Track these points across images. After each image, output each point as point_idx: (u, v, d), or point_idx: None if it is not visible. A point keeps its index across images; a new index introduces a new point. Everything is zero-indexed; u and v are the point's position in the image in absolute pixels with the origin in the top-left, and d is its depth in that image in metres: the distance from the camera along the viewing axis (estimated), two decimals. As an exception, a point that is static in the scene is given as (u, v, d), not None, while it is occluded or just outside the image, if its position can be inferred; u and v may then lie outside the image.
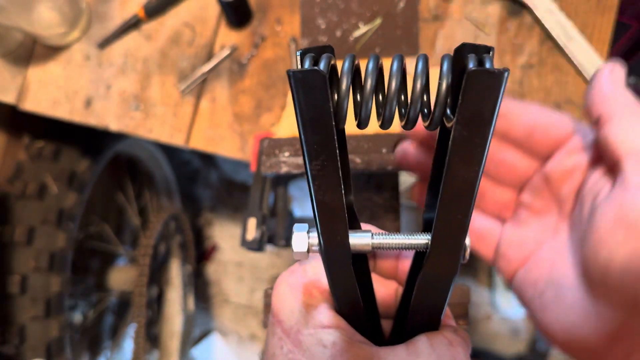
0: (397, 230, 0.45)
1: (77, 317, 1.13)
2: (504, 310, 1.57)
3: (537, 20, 0.65)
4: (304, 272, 0.29)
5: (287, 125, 0.44)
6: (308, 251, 0.26)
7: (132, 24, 0.70)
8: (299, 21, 0.56)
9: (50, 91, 0.71)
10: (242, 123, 0.69)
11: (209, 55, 0.70)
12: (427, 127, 0.23)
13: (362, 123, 0.23)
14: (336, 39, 0.53)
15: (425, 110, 0.23)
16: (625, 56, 0.82)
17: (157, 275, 1.20)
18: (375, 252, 0.28)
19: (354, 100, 0.24)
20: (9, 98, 0.71)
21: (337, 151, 0.22)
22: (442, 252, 0.24)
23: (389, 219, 0.46)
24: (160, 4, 0.69)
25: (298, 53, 0.22)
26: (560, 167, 0.31)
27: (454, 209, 0.23)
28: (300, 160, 0.43)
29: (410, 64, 0.25)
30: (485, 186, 0.35)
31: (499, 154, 0.34)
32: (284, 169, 0.42)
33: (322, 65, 0.21)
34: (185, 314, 1.23)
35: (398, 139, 0.41)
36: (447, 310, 0.30)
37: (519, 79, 0.66)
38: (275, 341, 0.27)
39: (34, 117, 0.73)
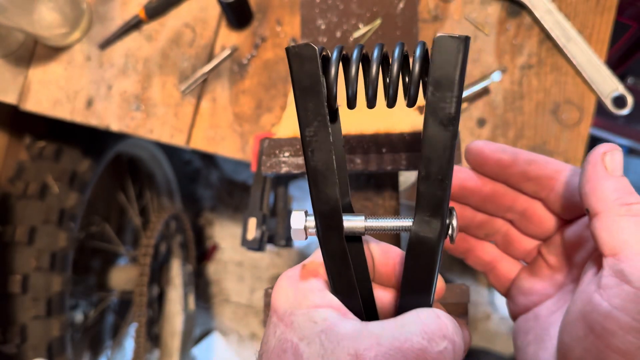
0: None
1: (78, 316, 1.14)
2: (504, 309, 1.58)
3: (536, 21, 0.66)
4: (302, 265, 0.29)
5: (287, 125, 0.45)
6: (305, 230, 0.28)
7: (133, 25, 0.70)
8: (299, 22, 0.57)
9: (52, 91, 0.71)
10: (243, 123, 0.69)
11: (210, 56, 0.70)
12: (407, 105, 0.26)
13: (350, 102, 0.26)
14: (336, 40, 0.53)
15: (409, 91, 0.26)
16: (625, 56, 0.82)
17: (157, 275, 1.21)
18: (374, 259, 0.30)
19: (345, 82, 0.26)
20: (10, 98, 0.72)
21: (328, 119, 0.25)
22: (426, 215, 0.25)
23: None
24: (160, 4, 0.69)
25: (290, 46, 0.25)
26: (577, 234, 0.32)
27: (433, 171, 0.24)
28: (300, 160, 0.43)
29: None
30: (514, 235, 0.36)
31: (531, 207, 0.34)
32: (284, 169, 0.43)
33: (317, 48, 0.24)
34: (186, 314, 1.23)
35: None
36: (441, 307, 0.30)
37: (518, 79, 0.66)
38: (270, 329, 0.27)
39: (35, 117, 0.73)
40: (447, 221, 0.26)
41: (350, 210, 0.30)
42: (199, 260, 1.62)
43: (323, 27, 0.54)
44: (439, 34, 0.23)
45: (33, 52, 0.72)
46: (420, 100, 0.43)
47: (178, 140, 0.70)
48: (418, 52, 0.25)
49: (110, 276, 1.22)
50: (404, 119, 0.43)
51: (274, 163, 0.43)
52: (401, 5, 0.53)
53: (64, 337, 0.91)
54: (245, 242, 0.61)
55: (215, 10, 0.70)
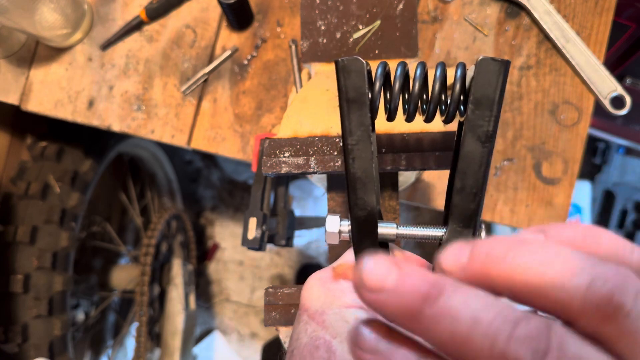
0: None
1: (79, 315, 1.14)
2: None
3: (535, 22, 0.66)
4: (332, 268, 0.30)
5: (287, 125, 0.45)
6: (339, 234, 0.29)
7: (134, 26, 0.70)
8: (299, 23, 0.57)
9: (53, 92, 0.71)
10: (243, 124, 0.70)
11: (211, 57, 0.70)
12: (443, 121, 0.27)
13: (391, 115, 0.28)
14: (336, 41, 0.54)
15: (443, 107, 0.27)
16: (623, 57, 0.82)
17: (158, 274, 1.21)
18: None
19: (384, 97, 0.28)
20: (12, 99, 0.72)
21: (371, 129, 0.26)
22: (458, 226, 0.26)
23: (388, 219, 0.46)
24: (161, 6, 0.70)
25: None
26: None
27: (468, 184, 0.26)
28: (300, 160, 0.43)
29: (414, 69, 0.29)
30: None
31: None
32: (285, 169, 0.43)
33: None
34: (187, 313, 1.23)
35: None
36: None
37: (517, 80, 0.67)
38: (300, 326, 0.28)
39: (36, 117, 0.74)
40: (478, 233, 0.27)
41: (380, 217, 0.31)
42: (199, 260, 1.63)
43: (323, 28, 0.54)
44: (481, 57, 0.24)
45: (34, 52, 0.72)
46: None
47: (179, 141, 0.70)
48: (459, 73, 0.26)
49: (111, 276, 1.23)
50: (404, 120, 0.44)
51: (274, 163, 0.43)
52: (400, 6, 0.54)
53: (65, 336, 0.91)
54: (245, 242, 0.61)
55: (216, 11, 0.71)
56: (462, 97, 0.26)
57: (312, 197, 1.63)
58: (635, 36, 0.77)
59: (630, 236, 1.46)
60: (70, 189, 0.90)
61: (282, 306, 0.39)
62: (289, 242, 0.70)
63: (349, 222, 0.28)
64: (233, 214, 1.69)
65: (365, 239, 0.28)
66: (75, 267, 0.96)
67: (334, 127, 0.43)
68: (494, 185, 0.66)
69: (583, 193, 1.42)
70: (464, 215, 0.26)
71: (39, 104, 0.71)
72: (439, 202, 0.67)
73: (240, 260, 1.66)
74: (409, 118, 0.28)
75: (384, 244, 0.30)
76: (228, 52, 0.69)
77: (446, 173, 0.68)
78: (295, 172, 0.43)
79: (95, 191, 1.00)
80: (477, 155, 0.25)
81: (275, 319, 0.39)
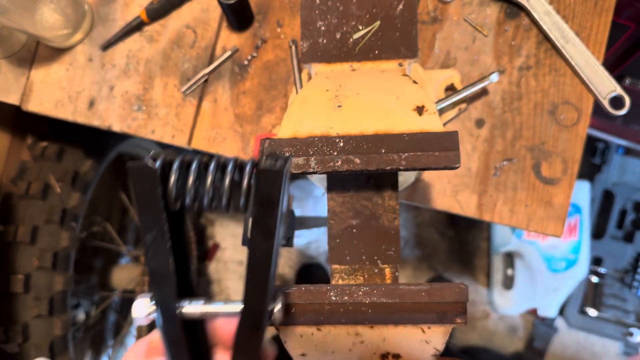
0: (396, 229, 0.46)
1: (80, 315, 1.14)
2: (502, 308, 1.58)
3: (534, 22, 0.66)
4: (149, 339, 0.33)
5: (288, 126, 0.45)
6: (148, 314, 0.31)
7: (135, 26, 0.71)
8: (299, 23, 0.57)
9: (54, 92, 0.72)
10: (244, 124, 0.70)
11: (211, 57, 0.71)
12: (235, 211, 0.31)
13: (187, 208, 0.31)
14: (336, 41, 0.54)
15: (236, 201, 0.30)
16: (623, 57, 0.83)
17: (159, 274, 1.21)
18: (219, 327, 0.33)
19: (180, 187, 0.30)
20: (13, 99, 0.72)
21: (167, 228, 0.29)
22: (251, 311, 0.30)
23: (387, 219, 0.46)
24: (162, 6, 0.70)
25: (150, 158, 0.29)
26: None
27: (257, 276, 0.29)
28: (300, 160, 0.43)
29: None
30: None
31: None
32: (285, 170, 0.43)
33: (157, 163, 0.28)
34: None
35: None
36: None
37: (517, 80, 0.67)
38: None
39: (37, 117, 0.74)
40: (272, 307, 0.31)
41: (188, 280, 0.33)
42: (200, 260, 1.63)
43: (323, 28, 0.54)
44: (261, 167, 0.27)
45: (35, 53, 0.72)
46: (420, 101, 0.43)
47: (179, 141, 0.70)
48: (247, 169, 0.29)
49: (112, 275, 1.23)
50: (404, 119, 0.44)
51: (274, 163, 0.43)
52: (400, 6, 0.54)
53: (66, 336, 0.91)
54: (246, 242, 0.61)
55: (216, 11, 0.71)
56: (248, 196, 0.30)
57: (312, 197, 1.63)
58: (635, 36, 0.77)
59: (629, 236, 1.46)
60: (70, 189, 0.90)
61: (282, 305, 0.39)
62: (289, 242, 0.70)
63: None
64: (233, 214, 1.69)
65: (168, 324, 0.30)
66: (76, 267, 0.96)
67: (334, 128, 0.44)
68: (493, 185, 0.67)
69: (582, 193, 1.42)
70: (256, 302, 0.29)
71: (39, 104, 0.72)
72: (439, 202, 0.67)
73: (240, 260, 1.67)
74: (201, 209, 0.30)
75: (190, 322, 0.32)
76: (228, 53, 0.70)
77: (446, 173, 0.68)
78: (296, 172, 0.43)
79: (96, 191, 1.00)
80: (265, 251, 0.29)
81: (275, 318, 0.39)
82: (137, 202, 0.28)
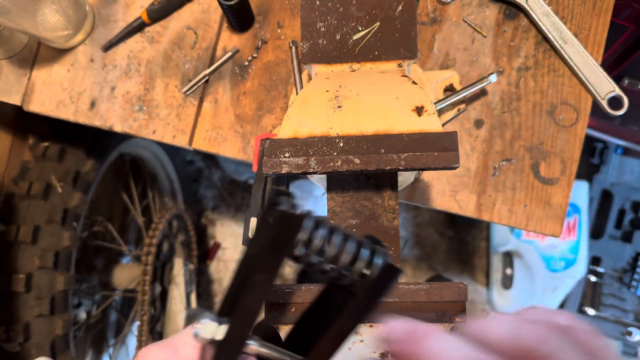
0: (395, 229, 0.47)
1: (81, 315, 1.14)
2: (501, 307, 1.59)
3: (533, 23, 0.66)
4: (176, 352, 0.31)
5: (288, 126, 0.46)
6: (212, 339, 0.29)
7: (136, 27, 0.71)
8: (300, 24, 0.57)
9: (55, 92, 0.72)
10: (244, 124, 0.70)
11: (212, 58, 0.71)
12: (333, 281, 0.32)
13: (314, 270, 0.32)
14: (336, 42, 0.54)
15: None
16: (621, 58, 0.83)
17: (160, 274, 1.22)
18: None
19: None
20: (14, 99, 0.73)
21: (278, 271, 0.29)
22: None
23: (387, 219, 0.47)
24: (163, 7, 0.70)
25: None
26: None
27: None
28: (300, 160, 0.44)
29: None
30: None
31: None
32: (285, 169, 0.44)
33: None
34: (188, 312, 1.24)
35: None
36: None
37: (516, 81, 0.67)
38: None
39: (38, 118, 0.74)
40: None
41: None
42: (201, 259, 1.63)
43: (323, 29, 0.55)
44: (386, 264, 0.30)
45: (36, 53, 0.73)
46: (419, 102, 0.43)
47: (180, 141, 0.70)
48: (370, 258, 0.31)
49: (113, 275, 1.23)
50: (403, 120, 0.44)
51: (274, 163, 0.44)
52: (400, 7, 0.54)
53: (67, 335, 0.91)
54: (246, 241, 0.62)
55: (216, 12, 0.71)
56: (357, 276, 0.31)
57: (312, 197, 1.64)
58: (633, 37, 0.78)
59: (628, 236, 1.47)
60: (72, 188, 0.90)
61: (282, 305, 0.40)
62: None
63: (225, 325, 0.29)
64: (234, 213, 1.70)
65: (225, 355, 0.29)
66: (77, 267, 0.97)
67: (334, 128, 0.44)
68: (492, 185, 0.67)
69: (581, 193, 1.42)
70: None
71: (41, 105, 0.72)
72: (438, 202, 0.68)
73: (240, 260, 1.67)
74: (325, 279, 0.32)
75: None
76: (229, 53, 0.70)
77: (445, 173, 0.68)
78: (296, 172, 0.44)
79: (97, 191, 1.00)
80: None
81: (275, 317, 0.39)
82: (271, 243, 0.28)
